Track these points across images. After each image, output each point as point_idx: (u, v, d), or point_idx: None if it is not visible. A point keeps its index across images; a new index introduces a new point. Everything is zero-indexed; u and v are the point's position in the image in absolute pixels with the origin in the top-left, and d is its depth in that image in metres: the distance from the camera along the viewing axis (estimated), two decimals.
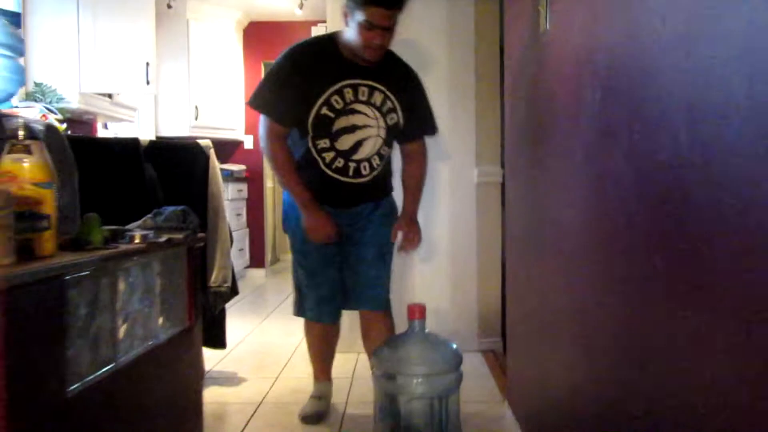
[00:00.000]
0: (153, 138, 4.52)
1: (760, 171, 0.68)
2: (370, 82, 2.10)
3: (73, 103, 3.50)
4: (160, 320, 1.49)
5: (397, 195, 2.38)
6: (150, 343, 1.42)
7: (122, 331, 1.28)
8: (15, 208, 0.98)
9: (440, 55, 3.32)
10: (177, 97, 5.11)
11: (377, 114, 2.12)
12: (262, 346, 3.55)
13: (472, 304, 3.38)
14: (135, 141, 2.45)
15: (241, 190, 5.68)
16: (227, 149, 5.75)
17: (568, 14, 1.53)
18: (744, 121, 0.72)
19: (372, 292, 2.27)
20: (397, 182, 2.38)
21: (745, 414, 0.72)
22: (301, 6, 5.28)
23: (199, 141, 2.78)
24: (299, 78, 2.07)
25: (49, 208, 1.07)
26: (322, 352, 2.43)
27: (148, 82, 3.75)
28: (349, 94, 2.08)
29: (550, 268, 1.74)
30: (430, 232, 3.23)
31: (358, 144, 2.12)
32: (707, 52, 0.80)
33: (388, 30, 2.01)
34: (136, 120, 4.67)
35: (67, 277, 1.06)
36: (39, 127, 1.12)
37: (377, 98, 2.12)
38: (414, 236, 2.29)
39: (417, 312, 1.94)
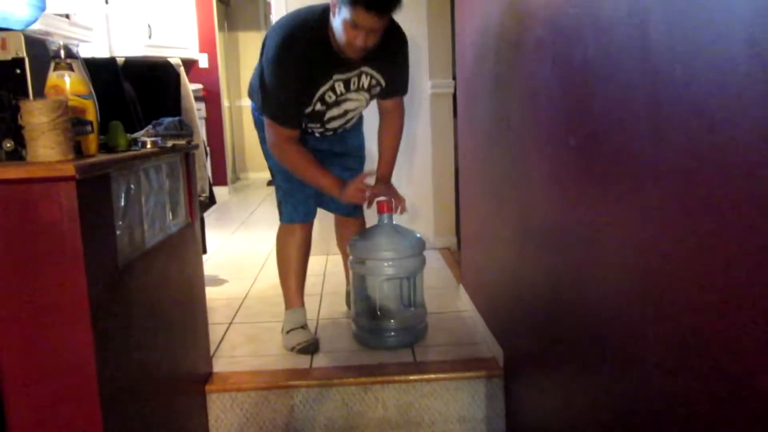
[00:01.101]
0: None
1: (635, 75, 0.97)
2: (359, 69, 2.10)
3: (35, 24, 3.52)
4: (170, 215, 1.74)
5: None
6: (164, 234, 1.67)
7: (146, 221, 1.53)
8: None
9: None
10: (129, 15, 5.09)
11: (366, 95, 2.19)
12: (236, 253, 3.83)
13: (428, 207, 3.71)
14: (113, 60, 2.59)
15: (199, 109, 5.75)
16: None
17: None
18: (626, 34, 1.00)
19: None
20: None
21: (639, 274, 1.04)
22: None
23: (169, 59, 2.93)
24: (299, 82, 2.03)
25: (91, 115, 1.29)
26: (300, 267, 2.40)
27: (107, 2, 3.78)
28: (340, 87, 2.10)
29: (496, 168, 2.04)
30: None
31: (347, 121, 2.27)
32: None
33: (373, 32, 1.94)
34: (91, 39, 4.67)
35: (110, 172, 1.29)
36: (74, 49, 1.32)
37: (365, 82, 2.14)
38: (400, 201, 2.26)
39: (386, 207, 2.24)
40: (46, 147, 1.14)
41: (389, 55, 2.13)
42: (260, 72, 2.10)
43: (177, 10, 5.53)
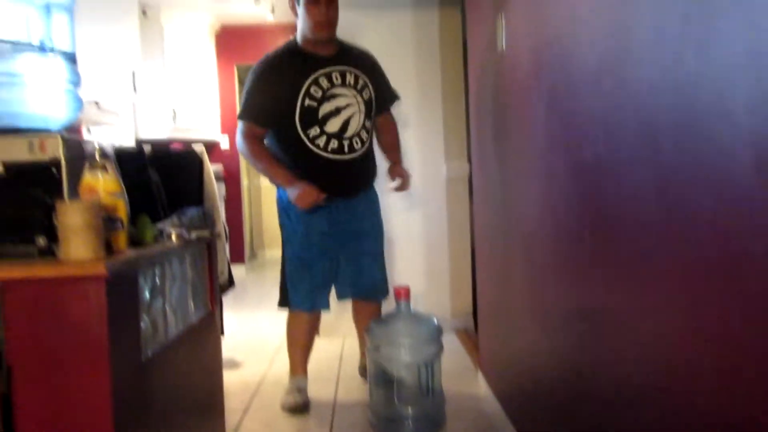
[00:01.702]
0: (134, 142, 4.74)
1: (644, 172, 1.00)
2: (339, 67, 2.39)
3: None
4: (192, 305, 1.77)
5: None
6: (186, 324, 1.70)
7: (169, 313, 1.56)
8: None
9: (408, 60, 3.64)
10: (155, 100, 5.30)
11: (354, 92, 2.42)
12: (253, 334, 3.83)
13: (444, 288, 3.71)
14: (140, 149, 2.69)
15: (218, 189, 5.91)
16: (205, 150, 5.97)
17: (518, 39, 1.85)
18: (635, 135, 1.04)
19: (374, 281, 2.56)
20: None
21: (665, 362, 1.05)
22: (272, 11, 5.52)
23: (194, 147, 3.04)
24: (274, 80, 2.35)
25: (122, 212, 1.35)
26: (305, 343, 2.55)
27: (135, 90, 3.96)
28: (324, 81, 2.36)
29: (511, 253, 2.07)
30: (405, 224, 3.56)
31: (346, 123, 2.41)
32: (618, 78, 1.13)
33: (332, 3, 2.30)
34: (118, 124, 4.86)
35: (138, 267, 1.33)
36: (108, 149, 1.39)
37: (350, 78, 2.41)
38: (406, 179, 2.62)
39: (403, 293, 2.26)
40: (78, 246, 1.19)
41: (364, 57, 2.50)
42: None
43: (201, 94, 5.77)
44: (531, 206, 1.80)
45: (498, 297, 2.37)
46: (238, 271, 6.24)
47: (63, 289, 1.15)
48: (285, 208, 2.50)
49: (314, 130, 2.38)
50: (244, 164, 6.62)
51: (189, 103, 5.62)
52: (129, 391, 1.25)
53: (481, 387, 2.66)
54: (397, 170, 2.62)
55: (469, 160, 3.55)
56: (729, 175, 0.79)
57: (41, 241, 1.32)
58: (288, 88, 2.35)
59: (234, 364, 3.16)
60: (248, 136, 2.41)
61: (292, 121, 2.37)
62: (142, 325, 1.35)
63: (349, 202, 2.49)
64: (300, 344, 2.55)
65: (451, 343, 3.36)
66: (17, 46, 1.38)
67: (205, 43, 5.85)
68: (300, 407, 2.43)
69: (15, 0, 1.40)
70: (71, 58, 1.53)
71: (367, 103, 2.47)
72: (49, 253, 1.31)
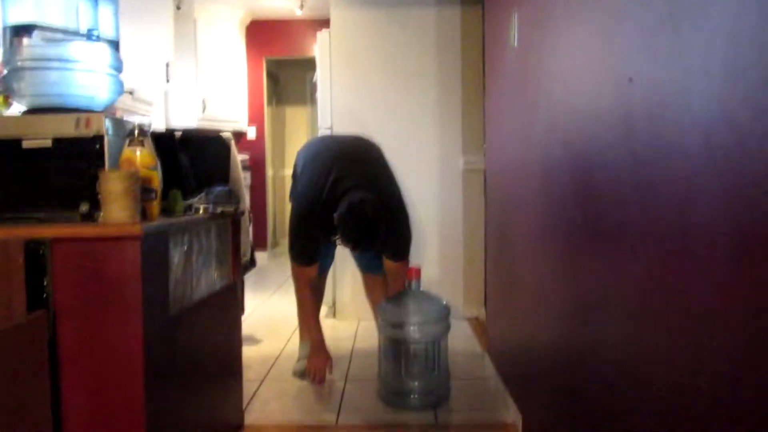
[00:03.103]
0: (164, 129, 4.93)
1: (622, 158, 1.12)
2: None
3: None
4: (216, 274, 1.93)
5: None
6: (210, 290, 1.85)
7: (195, 277, 1.71)
8: None
9: (430, 56, 3.77)
10: (186, 91, 5.50)
11: None
12: (271, 315, 4.00)
13: (458, 279, 3.84)
14: (171, 134, 2.86)
15: (245, 178, 6.09)
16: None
17: (529, 38, 1.97)
18: (615, 125, 1.16)
19: (372, 261, 2.82)
20: None
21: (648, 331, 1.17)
22: (301, 6, 5.68)
23: (222, 133, 3.20)
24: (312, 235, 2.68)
25: (155, 184, 1.50)
26: (311, 304, 2.79)
27: (168, 80, 4.15)
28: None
29: (517, 243, 2.19)
30: (422, 215, 3.69)
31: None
32: (600, 79, 1.25)
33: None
34: (150, 113, 5.07)
35: (169, 233, 1.49)
36: (145, 127, 1.55)
37: None
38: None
39: (414, 273, 2.39)
40: (118, 210, 1.35)
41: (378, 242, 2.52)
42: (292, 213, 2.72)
43: (231, 86, 5.96)
44: (534, 195, 1.92)
45: (505, 285, 2.49)
46: (260, 256, 6.42)
47: (103, 246, 1.31)
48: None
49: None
50: (269, 154, 6.80)
51: (218, 94, 5.81)
52: (157, 341, 1.41)
53: (487, 369, 2.78)
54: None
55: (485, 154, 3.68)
56: (686, 155, 0.91)
57: (84, 207, 1.48)
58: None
59: (253, 341, 3.32)
60: (304, 278, 2.75)
61: None
62: (170, 284, 1.50)
63: None
64: (306, 304, 2.76)
65: (462, 330, 3.49)
66: (68, 34, 1.54)
67: (236, 36, 6.03)
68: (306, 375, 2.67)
69: None
70: (115, 46, 1.70)
71: None
72: (90, 218, 1.48)
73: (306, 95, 8.05)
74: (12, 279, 1.24)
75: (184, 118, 5.45)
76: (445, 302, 2.44)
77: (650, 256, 1.05)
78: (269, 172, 6.64)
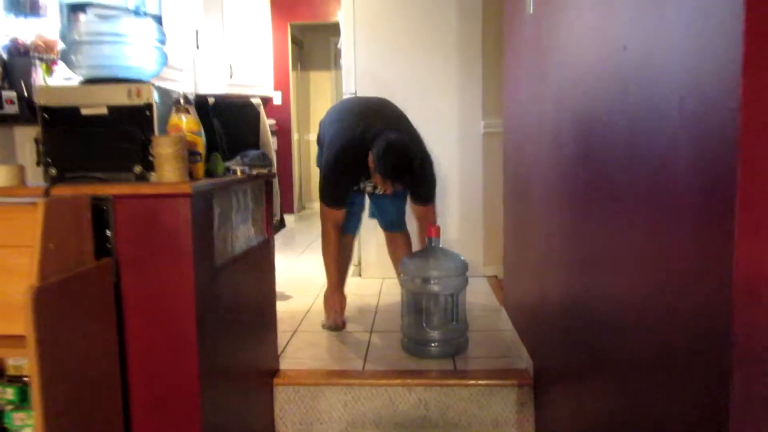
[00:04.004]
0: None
1: (618, 119, 1.25)
2: None
3: None
4: (252, 231, 2.11)
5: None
6: (247, 245, 2.03)
7: (234, 233, 1.89)
8: None
9: (452, 21, 3.86)
10: (214, 57, 5.65)
11: None
12: (301, 274, 4.20)
13: (478, 239, 3.99)
14: (205, 99, 3.03)
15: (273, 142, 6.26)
16: None
17: (543, 5, 2.07)
18: (612, 89, 1.28)
19: (394, 220, 3.05)
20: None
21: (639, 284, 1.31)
22: None
23: (251, 99, 3.36)
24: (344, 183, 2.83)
25: (200, 148, 1.67)
26: (334, 245, 2.91)
27: (198, 47, 4.29)
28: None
29: (530, 201, 2.32)
30: (443, 177, 3.82)
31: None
32: (609, 48, 1.37)
33: (395, 185, 2.69)
34: (180, 79, 5.23)
35: (213, 192, 1.66)
36: (190, 96, 1.71)
37: None
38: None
39: (434, 231, 2.55)
40: (169, 171, 1.52)
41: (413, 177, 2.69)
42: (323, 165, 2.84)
43: (256, 52, 6.09)
44: (545, 154, 2.05)
45: (518, 242, 2.64)
46: (288, 219, 6.65)
47: (158, 202, 1.49)
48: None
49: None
50: (295, 119, 6.95)
51: (245, 60, 5.94)
52: (205, 287, 1.59)
53: (503, 322, 2.96)
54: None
55: None
56: (667, 117, 1.05)
57: (137, 168, 1.65)
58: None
59: (284, 297, 3.53)
60: (331, 221, 2.86)
61: None
62: (215, 238, 1.68)
63: None
64: (330, 245, 2.89)
65: (482, 287, 3.66)
66: (119, 11, 1.70)
67: (261, 2, 6.13)
68: (337, 327, 2.90)
69: None
70: (159, 21, 1.85)
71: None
72: (143, 179, 1.65)
73: (330, 61, 8.15)
74: (82, 231, 1.42)
75: (212, 84, 5.61)
76: (462, 258, 2.60)
77: (639, 208, 1.19)
78: (294, 136, 6.80)
